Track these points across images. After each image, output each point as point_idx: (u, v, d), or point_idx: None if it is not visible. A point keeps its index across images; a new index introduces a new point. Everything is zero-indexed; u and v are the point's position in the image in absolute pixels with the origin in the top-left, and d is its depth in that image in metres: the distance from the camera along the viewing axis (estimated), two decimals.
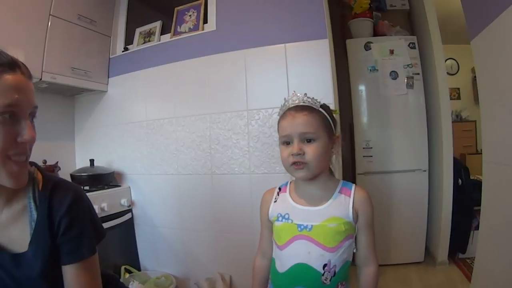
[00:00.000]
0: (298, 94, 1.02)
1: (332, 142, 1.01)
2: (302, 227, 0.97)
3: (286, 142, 0.98)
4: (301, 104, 0.99)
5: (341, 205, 0.98)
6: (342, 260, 0.96)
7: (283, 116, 1.01)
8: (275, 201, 1.07)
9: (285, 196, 1.06)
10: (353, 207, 0.97)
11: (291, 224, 0.99)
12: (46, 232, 0.76)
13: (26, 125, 0.71)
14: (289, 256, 0.98)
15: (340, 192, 1.00)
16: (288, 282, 0.99)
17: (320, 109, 0.99)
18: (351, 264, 1.01)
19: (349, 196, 0.99)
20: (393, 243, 2.60)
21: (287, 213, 1.01)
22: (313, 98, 1.01)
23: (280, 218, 1.02)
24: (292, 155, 0.95)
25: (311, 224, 0.96)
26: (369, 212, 0.99)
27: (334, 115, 1.06)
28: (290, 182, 1.09)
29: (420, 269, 2.54)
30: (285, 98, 1.03)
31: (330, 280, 0.94)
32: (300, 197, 1.03)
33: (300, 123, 0.95)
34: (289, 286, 0.99)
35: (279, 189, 1.10)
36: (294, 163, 0.96)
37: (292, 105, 1.00)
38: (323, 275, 0.94)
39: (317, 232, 0.95)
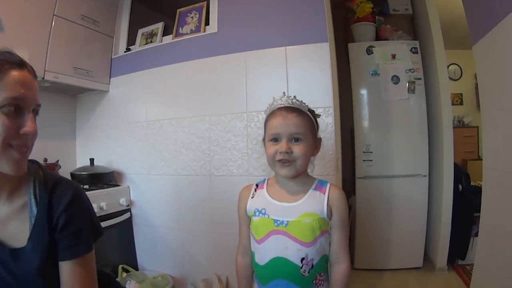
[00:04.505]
0: (288, 96, 1.04)
1: (315, 144, 1.05)
2: (278, 222, 1.00)
3: (274, 139, 1.01)
4: (290, 105, 1.02)
5: (316, 201, 1.01)
6: (320, 253, 1.00)
7: (272, 114, 1.03)
8: (252, 197, 1.10)
9: (262, 192, 1.09)
10: (327, 204, 1.00)
11: (268, 219, 1.02)
12: (45, 227, 0.78)
13: (29, 118, 0.76)
14: (267, 250, 1.01)
15: (315, 189, 1.04)
16: (268, 274, 1.03)
17: (308, 112, 1.03)
18: None
19: (324, 194, 1.02)
20: (392, 248, 2.59)
21: (264, 208, 1.04)
22: (301, 101, 1.04)
23: (257, 213, 1.05)
24: (280, 152, 0.97)
25: (287, 220, 0.99)
26: (343, 210, 1.03)
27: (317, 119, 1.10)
28: (268, 179, 1.12)
29: (419, 274, 2.53)
30: (274, 97, 1.06)
31: (308, 272, 0.98)
32: (277, 193, 1.06)
33: (291, 124, 0.98)
34: (269, 278, 1.02)
35: (256, 185, 1.13)
36: (280, 160, 0.98)
37: (282, 105, 1.02)
38: (301, 268, 0.97)
39: (293, 227, 0.99)
